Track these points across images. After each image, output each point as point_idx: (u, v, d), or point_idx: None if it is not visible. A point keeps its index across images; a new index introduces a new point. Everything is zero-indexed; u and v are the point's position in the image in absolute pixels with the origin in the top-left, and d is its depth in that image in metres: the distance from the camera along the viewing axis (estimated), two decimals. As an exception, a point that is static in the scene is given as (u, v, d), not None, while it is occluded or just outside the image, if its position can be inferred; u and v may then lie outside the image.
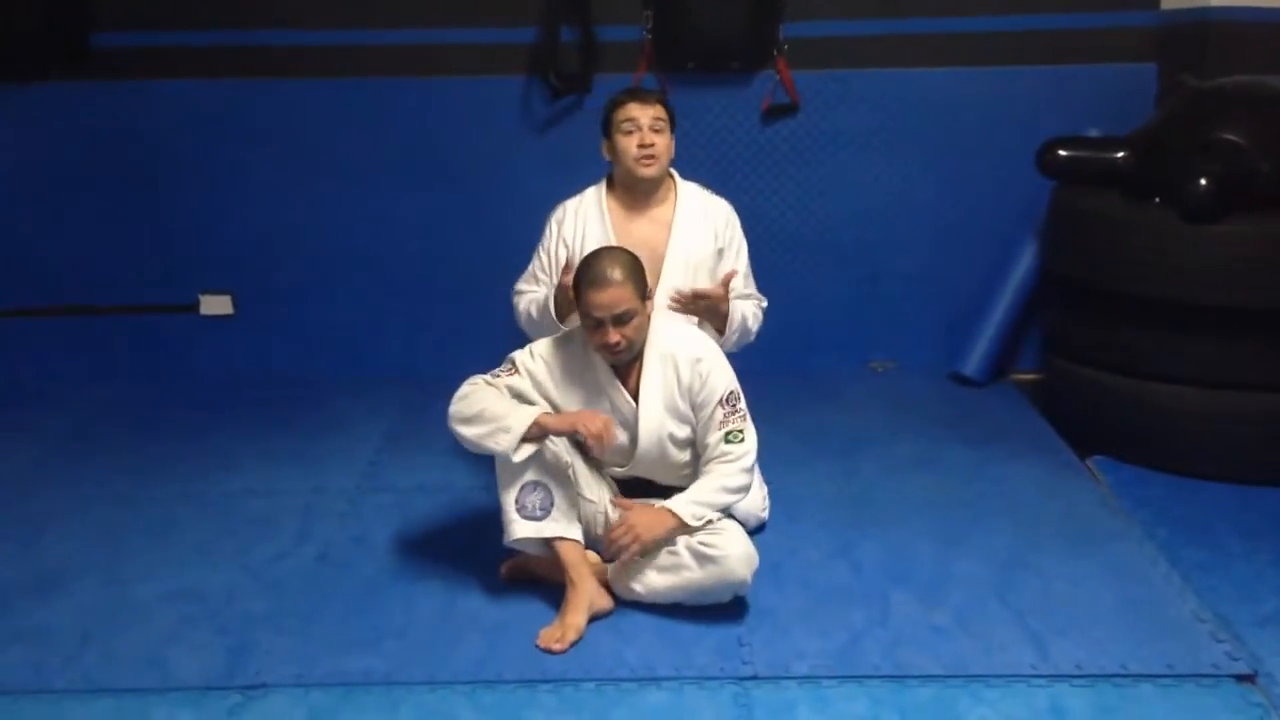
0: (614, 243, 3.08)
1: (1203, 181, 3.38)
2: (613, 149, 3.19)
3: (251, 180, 4.43)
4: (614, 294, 2.68)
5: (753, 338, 3.31)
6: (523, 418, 2.71)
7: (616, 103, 3.18)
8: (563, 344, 2.89)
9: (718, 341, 3.10)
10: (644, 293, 2.77)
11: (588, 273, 2.72)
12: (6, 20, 4.19)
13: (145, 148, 4.40)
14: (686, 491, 2.82)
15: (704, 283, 3.20)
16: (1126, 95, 4.21)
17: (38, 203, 4.46)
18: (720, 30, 4.22)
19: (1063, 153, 3.89)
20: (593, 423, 2.71)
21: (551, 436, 2.77)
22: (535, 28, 4.26)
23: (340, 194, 4.45)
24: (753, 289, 3.36)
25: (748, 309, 3.26)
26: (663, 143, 3.15)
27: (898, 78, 4.32)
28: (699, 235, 3.24)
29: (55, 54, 4.29)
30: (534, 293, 3.26)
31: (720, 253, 3.27)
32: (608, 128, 3.19)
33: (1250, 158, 3.43)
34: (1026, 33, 4.27)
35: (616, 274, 2.68)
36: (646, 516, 2.76)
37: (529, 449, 2.72)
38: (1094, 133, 4.10)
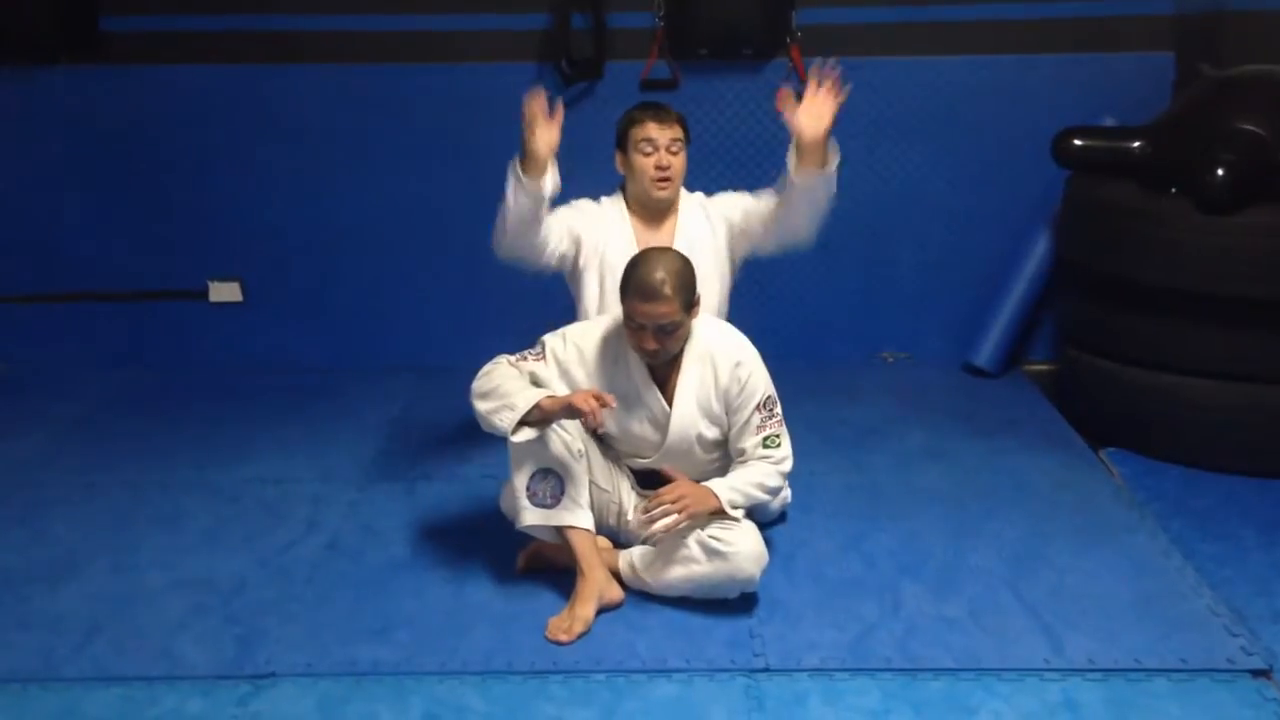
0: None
1: (1220, 171, 3.35)
2: (628, 165, 3.17)
3: (261, 166, 4.42)
4: (661, 309, 2.64)
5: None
6: (528, 398, 2.68)
7: (634, 119, 3.14)
8: (599, 333, 2.86)
9: (821, 172, 2.98)
10: (691, 303, 2.72)
11: (635, 276, 2.67)
12: (15, 4, 4.17)
13: (154, 133, 4.39)
14: (726, 477, 2.80)
15: (712, 275, 3.18)
16: (1143, 84, 4.17)
17: (45, 188, 4.45)
18: (733, 17, 4.20)
19: (1078, 142, 3.86)
20: (585, 401, 2.65)
21: (561, 423, 2.75)
22: (547, 14, 4.23)
23: (350, 180, 4.43)
24: None
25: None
26: (679, 164, 3.13)
27: (911, 66, 4.29)
28: (701, 235, 3.22)
29: (63, 38, 4.27)
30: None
31: (725, 219, 3.23)
32: (623, 142, 3.16)
33: (1268, 148, 3.40)
34: (1042, 21, 4.23)
35: (666, 289, 2.63)
36: (694, 489, 2.73)
37: (529, 433, 2.70)
38: (1109, 122, 4.08)
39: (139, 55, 4.33)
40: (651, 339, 2.68)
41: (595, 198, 3.29)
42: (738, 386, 2.79)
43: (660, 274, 2.64)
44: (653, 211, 3.21)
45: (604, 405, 2.65)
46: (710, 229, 3.24)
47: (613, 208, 3.25)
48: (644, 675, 2.54)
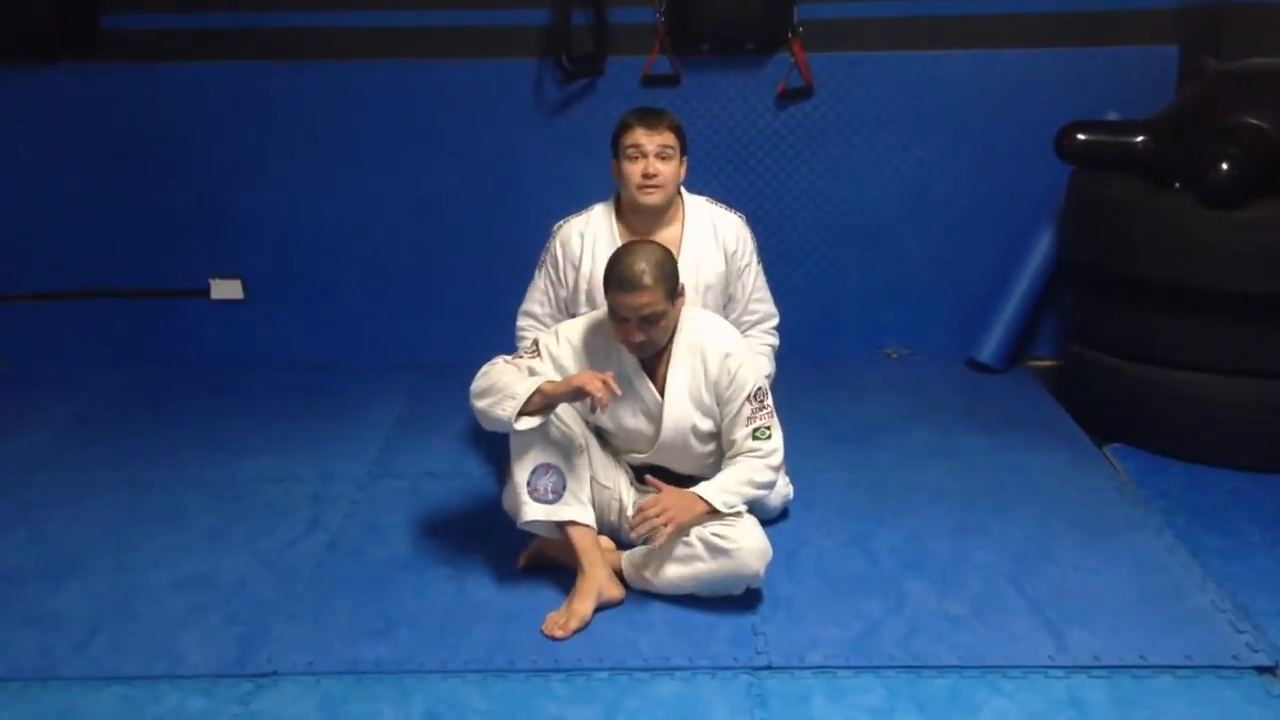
0: None
1: (1224, 166, 3.34)
2: (619, 170, 3.15)
3: (262, 163, 4.41)
4: (642, 298, 2.64)
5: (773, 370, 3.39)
6: (529, 385, 2.67)
7: (624, 125, 3.11)
8: (590, 328, 2.86)
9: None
10: (674, 292, 2.72)
11: (616, 269, 2.67)
12: (17, 3, 4.16)
13: (155, 131, 4.37)
14: (715, 479, 2.78)
15: (714, 302, 3.21)
16: (1147, 78, 4.15)
17: (47, 185, 4.44)
18: (734, 12, 4.18)
19: (1081, 137, 3.84)
20: (592, 381, 2.64)
21: (563, 419, 2.74)
22: (548, 10, 4.22)
23: (351, 177, 4.42)
24: (767, 302, 3.40)
25: (761, 363, 3.27)
26: (668, 170, 3.09)
27: (914, 60, 4.27)
28: (709, 255, 3.22)
29: (65, 37, 4.26)
30: (533, 329, 3.25)
31: (730, 271, 3.26)
32: (615, 148, 3.14)
33: (1272, 141, 3.39)
34: (1045, 15, 4.21)
35: (646, 279, 2.63)
36: (679, 499, 2.72)
37: (532, 420, 2.68)
38: (1113, 116, 4.06)
39: (140, 53, 4.32)
40: (636, 330, 2.68)
41: (588, 202, 3.29)
42: (727, 378, 2.79)
43: (641, 264, 2.64)
44: (645, 219, 3.18)
45: (609, 390, 2.63)
46: (718, 247, 3.23)
47: (600, 221, 3.23)
48: (646, 673, 2.53)
